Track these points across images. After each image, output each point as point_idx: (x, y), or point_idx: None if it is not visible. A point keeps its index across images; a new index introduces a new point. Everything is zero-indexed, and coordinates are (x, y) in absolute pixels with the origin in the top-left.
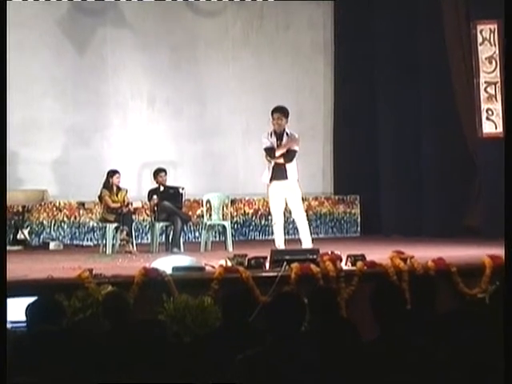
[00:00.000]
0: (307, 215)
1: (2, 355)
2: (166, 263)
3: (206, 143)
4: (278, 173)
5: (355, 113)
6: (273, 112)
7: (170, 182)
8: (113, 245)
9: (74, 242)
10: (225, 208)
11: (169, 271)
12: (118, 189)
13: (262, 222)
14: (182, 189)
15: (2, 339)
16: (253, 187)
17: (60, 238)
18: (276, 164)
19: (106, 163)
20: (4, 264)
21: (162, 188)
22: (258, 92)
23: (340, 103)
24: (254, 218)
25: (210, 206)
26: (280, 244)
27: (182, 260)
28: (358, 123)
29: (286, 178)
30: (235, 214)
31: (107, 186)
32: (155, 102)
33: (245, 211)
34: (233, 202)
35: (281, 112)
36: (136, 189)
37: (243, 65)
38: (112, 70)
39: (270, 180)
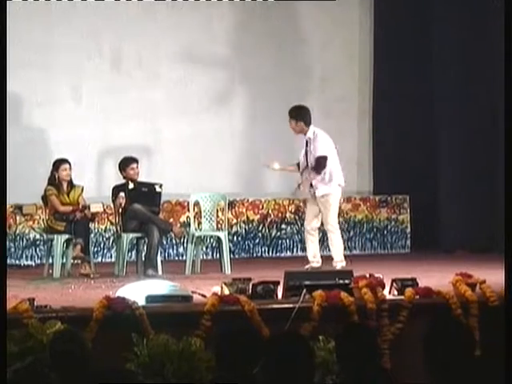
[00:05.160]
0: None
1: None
2: (137, 291)
3: (194, 121)
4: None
5: (404, 78)
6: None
7: (142, 177)
8: (62, 264)
9: (8, 261)
10: (220, 213)
11: (141, 302)
12: (70, 186)
13: (273, 233)
14: (160, 186)
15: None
16: (259, 184)
17: None
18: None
19: (53, 150)
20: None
21: (131, 185)
22: (267, 47)
23: (382, 65)
24: (260, 226)
25: (200, 210)
26: (313, 260)
27: (160, 286)
28: (406, 93)
29: (314, 194)
30: (234, 221)
31: (54, 182)
32: (121, 62)
33: (248, 217)
34: (231, 204)
35: (292, 116)
36: (95, 186)
37: (245, 10)
38: (60, 18)
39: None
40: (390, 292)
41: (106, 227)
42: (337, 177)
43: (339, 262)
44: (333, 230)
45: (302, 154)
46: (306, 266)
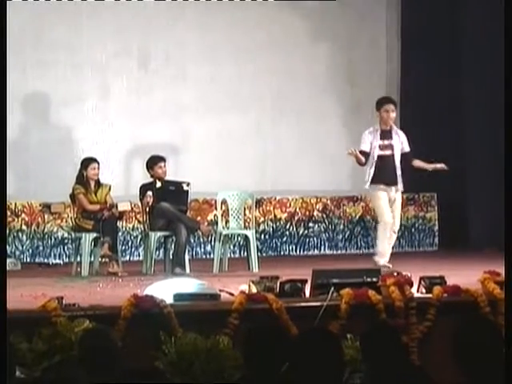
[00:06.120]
0: (363, 220)
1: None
2: (165, 289)
3: (221, 119)
4: (385, 173)
5: (431, 78)
6: (382, 103)
7: (170, 175)
8: (90, 263)
9: (37, 260)
10: (247, 211)
11: (169, 300)
12: (98, 185)
13: (300, 231)
14: (187, 184)
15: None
16: (287, 182)
17: (17, 253)
18: (380, 161)
19: (81, 149)
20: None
21: (159, 183)
22: (295, 46)
23: (410, 64)
24: (288, 225)
25: (227, 208)
26: (382, 254)
27: (188, 284)
28: (434, 92)
29: (396, 182)
30: (262, 219)
31: (82, 180)
32: (149, 60)
33: (275, 216)
34: (259, 202)
35: (393, 102)
36: (122, 184)
37: (273, 7)
38: (88, 16)
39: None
40: (417, 290)
41: (133, 226)
42: None
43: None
44: (397, 230)
45: (380, 144)
46: (381, 263)
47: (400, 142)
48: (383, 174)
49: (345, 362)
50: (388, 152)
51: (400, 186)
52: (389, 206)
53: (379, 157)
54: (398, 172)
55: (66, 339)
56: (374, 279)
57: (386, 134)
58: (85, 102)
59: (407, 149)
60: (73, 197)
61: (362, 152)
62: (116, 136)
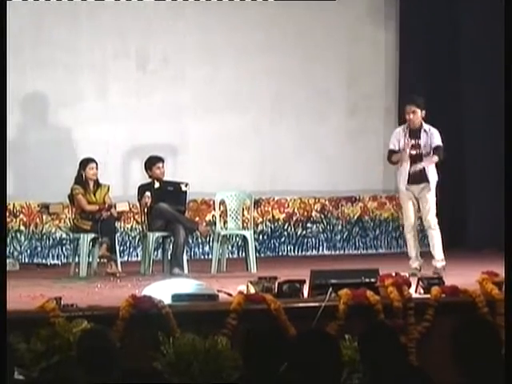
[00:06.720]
0: (361, 220)
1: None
2: (163, 289)
3: (219, 120)
4: (417, 174)
5: (430, 76)
6: (404, 105)
7: (168, 176)
8: (89, 263)
9: (35, 260)
10: (246, 212)
11: (167, 301)
12: (97, 185)
13: (298, 232)
14: (186, 185)
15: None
16: (285, 183)
17: (15, 254)
18: (408, 160)
19: (79, 149)
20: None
21: (157, 184)
22: (293, 45)
23: (408, 62)
24: (286, 225)
25: (225, 208)
26: (413, 257)
27: (186, 285)
28: (432, 91)
29: (427, 180)
30: (260, 220)
31: (80, 181)
32: (148, 61)
33: (274, 216)
34: (257, 203)
35: (413, 103)
36: (121, 185)
37: (271, 8)
38: (87, 17)
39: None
40: (416, 291)
41: (131, 226)
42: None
43: (440, 262)
44: (435, 226)
45: (408, 143)
46: (414, 265)
47: (428, 140)
48: (410, 172)
49: (343, 362)
50: (414, 151)
51: (427, 184)
52: (413, 208)
53: (407, 156)
54: (425, 170)
55: (64, 340)
56: (372, 280)
57: (414, 133)
58: (84, 102)
59: (436, 143)
60: (71, 197)
61: (390, 151)
62: (115, 136)
